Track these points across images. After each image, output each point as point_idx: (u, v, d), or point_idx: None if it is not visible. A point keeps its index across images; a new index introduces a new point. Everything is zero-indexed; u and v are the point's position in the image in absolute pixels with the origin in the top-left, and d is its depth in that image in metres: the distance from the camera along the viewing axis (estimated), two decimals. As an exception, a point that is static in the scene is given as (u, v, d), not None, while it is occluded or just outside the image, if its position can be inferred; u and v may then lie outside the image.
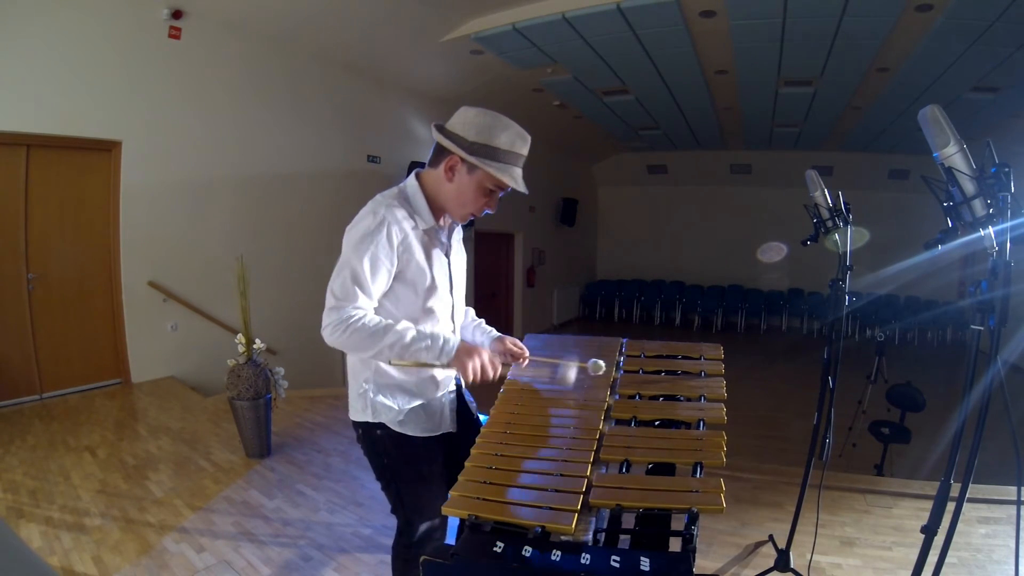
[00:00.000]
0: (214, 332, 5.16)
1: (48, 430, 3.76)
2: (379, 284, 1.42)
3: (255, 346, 3.42)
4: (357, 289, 1.39)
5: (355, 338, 1.38)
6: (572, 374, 1.68)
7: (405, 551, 1.59)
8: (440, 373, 1.58)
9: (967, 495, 1.30)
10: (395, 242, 1.40)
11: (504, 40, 5.64)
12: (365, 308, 1.41)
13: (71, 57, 4.25)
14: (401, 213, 1.42)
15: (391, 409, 1.51)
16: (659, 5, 4.79)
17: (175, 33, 4.76)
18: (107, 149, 4.62)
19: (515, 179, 1.43)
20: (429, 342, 1.42)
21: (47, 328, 4.47)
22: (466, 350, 1.45)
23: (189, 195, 5.09)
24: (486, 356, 1.47)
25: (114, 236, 4.72)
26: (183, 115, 4.97)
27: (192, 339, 5.12)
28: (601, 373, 1.66)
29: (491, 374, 1.47)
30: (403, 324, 1.42)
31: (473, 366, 1.43)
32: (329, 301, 1.40)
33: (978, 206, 1.27)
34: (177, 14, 4.70)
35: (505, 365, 1.66)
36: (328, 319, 1.39)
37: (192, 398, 4.61)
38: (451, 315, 1.60)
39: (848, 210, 2.17)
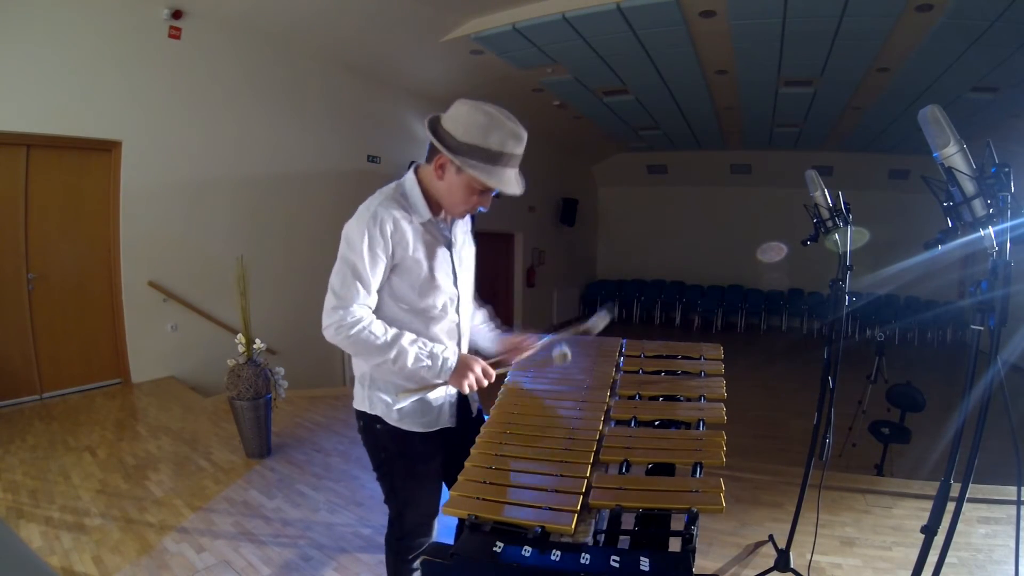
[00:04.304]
0: (214, 332, 5.16)
1: (48, 430, 3.76)
2: (377, 278, 1.44)
3: (255, 346, 3.42)
4: (358, 284, 1.41)
5: (358, 346, 1.43)
6: (566, 350, 1.65)
7: (396, 543, 1.62)
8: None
9: (967, 495, 1.30)
10: (388, 235, 1.42)
11: (504, 40, 5.63)
12: (367, 307, 1.45)
13: (71, 57, 4.24)
14: (395, 207, 1.44)
15: (387, 403, 1.54)
16: (659, 5, 4.79)
17: (175, 33, 4.75)
18: (107, 149, 4.62)
19: (504, 181, 1.38)
20: (429, 362, 1.46)
21: (47, 328, 4.47)
22: (461, 366, 1.50)
23: (189, 195, 5.09)
24: (479, 369, 1.51)
25: (114, 236, 4.72)
26: (183, 115, 4.96)
27: (192, 339, 5.12)
28: (601, 327, 1.73)
29: (485, 384, 1.54)
30: (407, 337, 1.45)
31: (468, 382, 1.49)
32: (330, 300, 1.42)
33: (978, 206, 1.27)
34: (177, 14, 4.69)
35: (504, 366, 1.66)
36: (330, 319, 1.42)
37: (192, 398, 4.61)
38: (456, 307, 1.60)
39: (848, 210, 2.17)
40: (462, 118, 1.36)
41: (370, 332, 1.41)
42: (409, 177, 1.51)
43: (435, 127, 1.41)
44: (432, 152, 1.45)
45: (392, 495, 1.60)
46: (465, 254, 1.64)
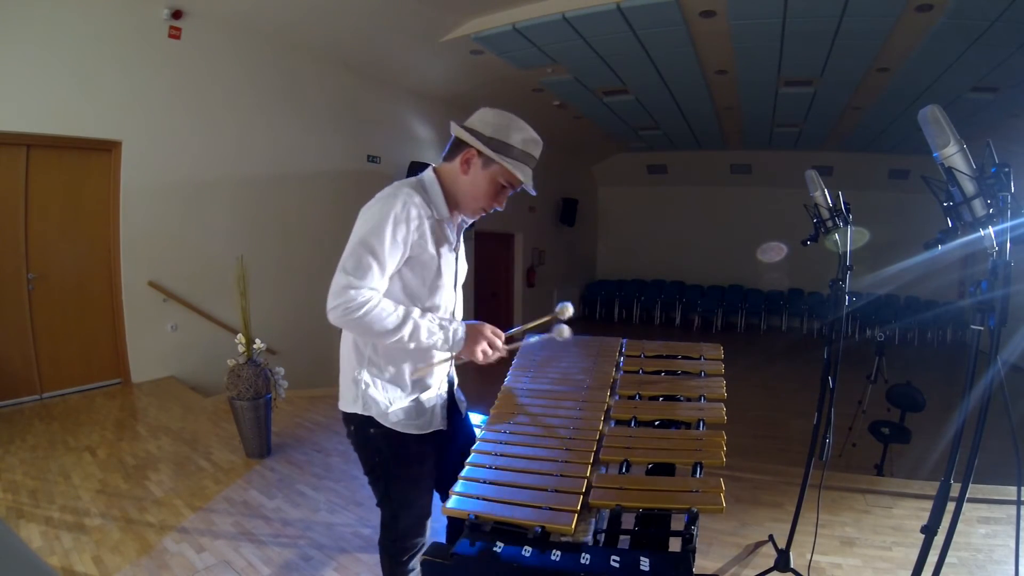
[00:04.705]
0: (214, 332, 5.16)
1: (48, 430, 3.76)
2: (393, 263, 1.42)
3: (255, 346, 3.42)
4: (375, 265, 1.38)
5: (365, 326, 1.39)
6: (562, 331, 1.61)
7: (391, 545, 1.61)
8: (435, 373, 1.59)
9: (967, 495, 1.30)
10: (412, 226, 1.43)
11: (504, 40, 5.63)
12: (378, 290, 1.41)
13: (71, 57, 4.24)
14: (419, 200, 1.45)
15: (381, 404, 1.52)
16: (659, 5, 4.79)
17: (175, 33, 4.75)
18: (107, 149, 4.62)
19: (527, 177, 1.48)
20: (441, 334, 1.46)
21: (47, 328, 4.47)
22: (472, 334, 1.49)
23: (189, 195, 5.09)
24: (488, 331, 1.51)
25: (114, 236, 4.72)
26: (183, 115, 4.96)
27: (192, 339, 5.12)
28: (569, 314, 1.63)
29: (500, 346, 1.52)
30: (416, 312, 1.45)
31: (481, 348, 1.48)
32: (340, 280, 1.38)
33: (978, 206, 1.27)
34: (177, 14, 4.69)
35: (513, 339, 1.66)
36: (338, 299, 1.37)
37: (192, 398, 4.60)
38: (452, 310, 1.62)
39: (848, 210, 2.17)
40: (489, 118, 1.47)
41: (381, 310, 1.38)
42: (428, 174, 1.54)
43: (462, 126, 1.48)
44: (455, 150, 1.50)
45: (387, 498, 1.58)
46: (462, 261, 1.67)
